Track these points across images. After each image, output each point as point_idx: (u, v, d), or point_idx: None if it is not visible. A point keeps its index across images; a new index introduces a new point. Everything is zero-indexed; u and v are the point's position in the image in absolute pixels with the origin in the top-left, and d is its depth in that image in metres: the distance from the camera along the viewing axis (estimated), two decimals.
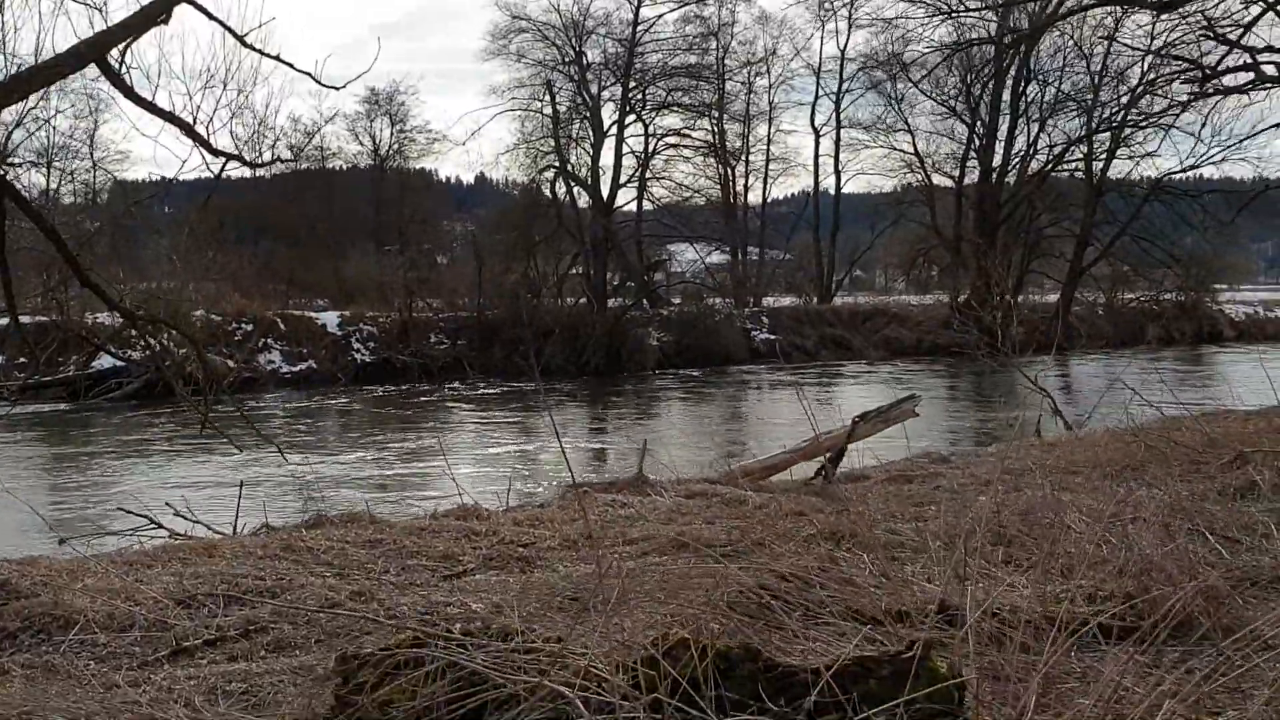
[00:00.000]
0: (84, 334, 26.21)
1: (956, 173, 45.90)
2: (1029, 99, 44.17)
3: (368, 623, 5.26)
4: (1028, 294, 45.83)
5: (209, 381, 10.45)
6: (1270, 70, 16.15)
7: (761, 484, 9.66)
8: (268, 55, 9.34)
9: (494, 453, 17.43)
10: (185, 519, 9.91)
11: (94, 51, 7.76)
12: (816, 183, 49.70)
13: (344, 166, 47.16)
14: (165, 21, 8.61)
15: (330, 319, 32.85)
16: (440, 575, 6.42)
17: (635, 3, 39.08)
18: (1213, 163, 39.05)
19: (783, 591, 5.21)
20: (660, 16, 40.18)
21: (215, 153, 9.45)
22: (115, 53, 8.38)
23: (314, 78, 9.58)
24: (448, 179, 66.75)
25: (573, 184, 39.23)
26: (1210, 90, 17.93)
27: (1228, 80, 17.08)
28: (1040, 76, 44.07)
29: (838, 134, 48.00)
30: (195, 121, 9.17)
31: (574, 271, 39.84)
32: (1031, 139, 44.26)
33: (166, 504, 10.18)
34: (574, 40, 39.49)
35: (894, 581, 5.71)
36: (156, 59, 9.15)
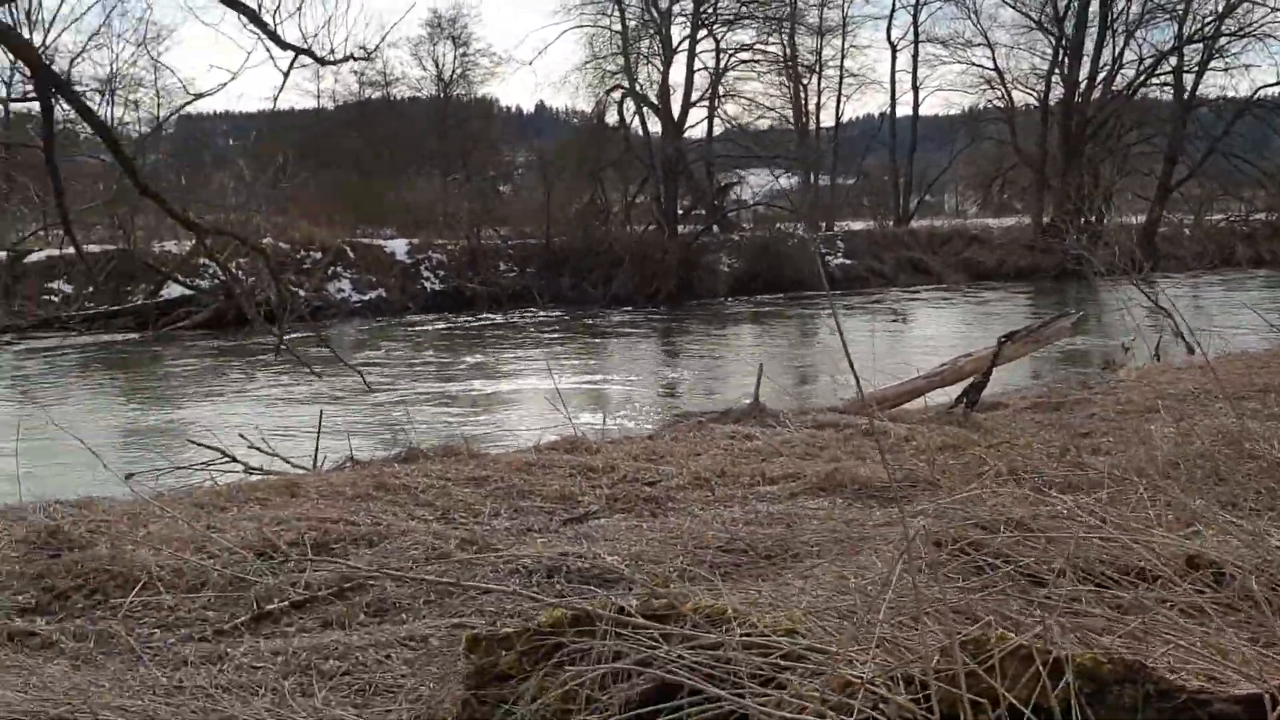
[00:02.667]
0: (151, 262, 25.72)
1: (1040, 88, 43.66)
2: (1117, 9, 41.67)
3: (486, 580, 4.32)
4: (1115, 214, 43.81)
5: (283, 304, 9.59)
6: None
7: (894, 414, 8.60)
8: None
9: (578, 382, 16.50)
10: (261, 452, 9.09)
11: None
12: (894, 100, 47.72)
13: (407, 95, 46.02)
14: None
15: (399, 247, 32.12)
16: (559, 519, 5.48)
17: None
18: None
19: (1000, 546, 4.18)
20: None
21: (284, 45, 8.49)
22: None
23: None
24: (508, 108, 65.43)
25: (641, 105, 37.82)
26: None
27: None
28: None
29: (915, 49, 45.91)
30: (260, 8, 8.19)
31: (641, 198, 38.70)
32: (1117, 52, 41.90)
33: (240, 435, 9.35)
34: None
35: (1120, 528, 4.64)
36: None
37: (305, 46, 8.83)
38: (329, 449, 9.49)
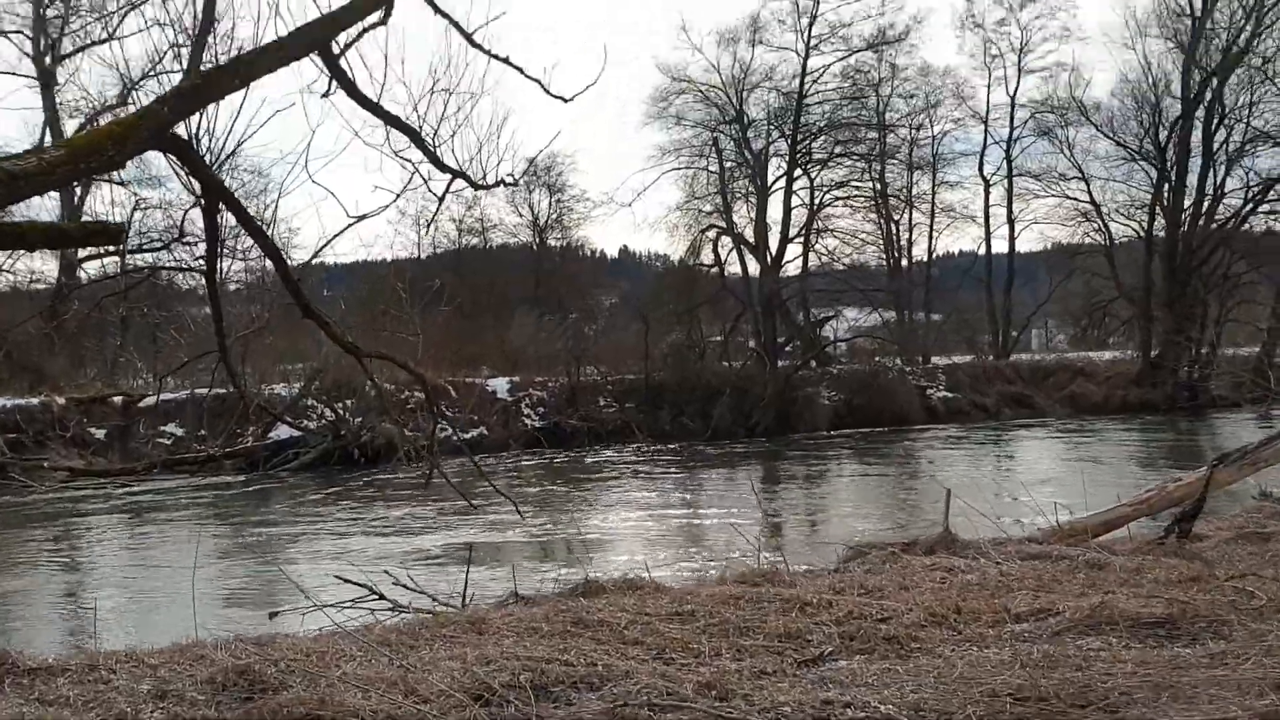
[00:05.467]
0: (263, 405, 25.92)
1: (1140, 219, 42.99)
2: (1219, 138, 41.09)
3: None
4: (1225, 346, 42.48)
5: (432, 439, 9.26)
6: None
7: (1100, 544, 7.83)
8: (496, 57, 8.16)
9: (717, 514, 15.81)
10: (406, 589, 8.60)
11: (319, 34, 6.61)
12: (988, 234, 47.27)
13: (505, 241, 47.08)
14: (386, 18, 7.52)
15: (500, 385, 32.15)
16: (790, 659, 4.84)
17: (803, 54, 37.92)
18: None
19: None
20: (827, 67, 38.90)
21: (443, 168, 8.30)
22: (336, 46, 7.29)
23: (543, 86, 8.36)
24: (593, 252, 66.57)
25: (738, 243, 38.10)
26: None
27: None
28: (1233, 113, 40.99)
29: (1009, 182, 45.67)
30: (421, 129, 8.04)
31: (736, 335, 38.65)
32: (1220, 180, 41.15)
33: (385, 573, 8.89)
34: (735, 98, 38.54)
35: None
36: (378, 59, 8.05)
37: (462, 170, 8.65)
38: (473, 585, 8.98)
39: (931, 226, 47.29)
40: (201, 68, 6.53)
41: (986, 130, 45.69)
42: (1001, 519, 9.05)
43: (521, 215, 46.48)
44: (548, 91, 8.26)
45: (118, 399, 26.67)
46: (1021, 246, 52.42)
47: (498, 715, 4.19)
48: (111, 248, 28.95)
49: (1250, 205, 40.62)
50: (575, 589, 6.81)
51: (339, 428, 26.30)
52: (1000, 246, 47.92)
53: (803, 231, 39.08)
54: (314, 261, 24.76)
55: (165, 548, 15.27)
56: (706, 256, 39.82)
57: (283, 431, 26.08)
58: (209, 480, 23.64)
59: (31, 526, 17.58)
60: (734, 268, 39.35)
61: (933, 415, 37.00)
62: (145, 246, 34.38)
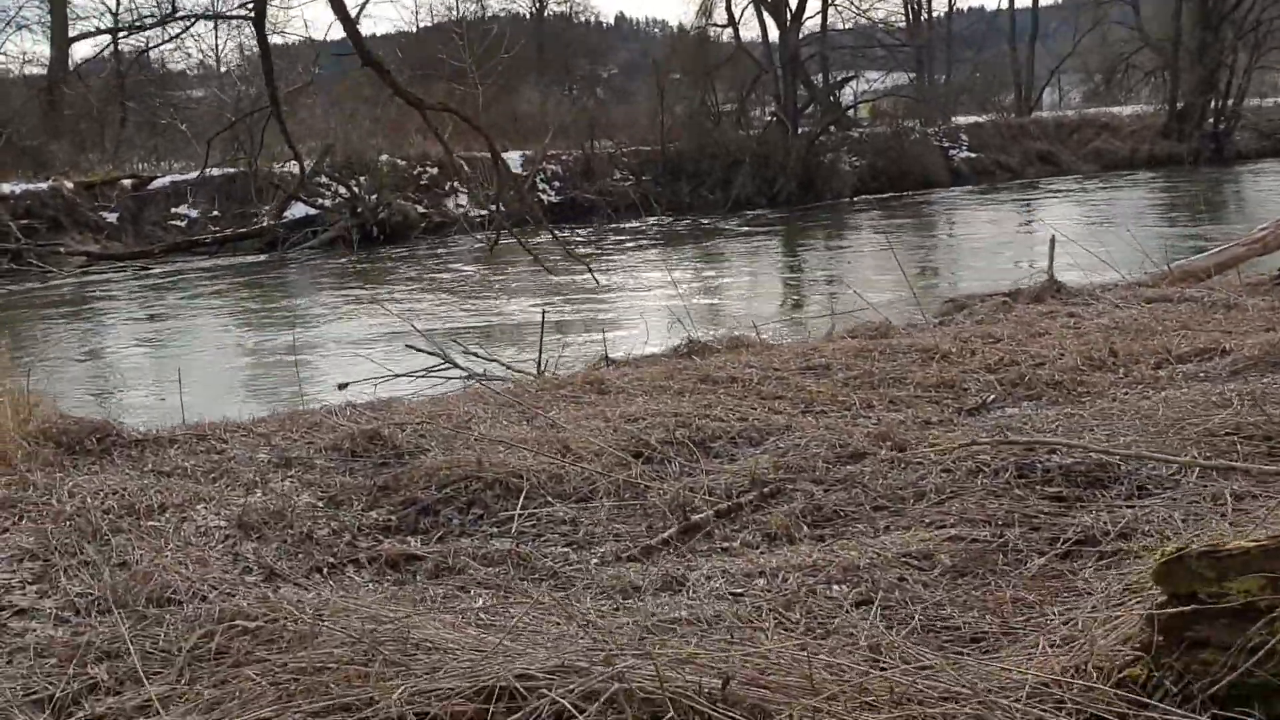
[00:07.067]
0: (276, 183, 25.21)
1: None
2: None
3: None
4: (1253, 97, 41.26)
5: (499, 199, 8.71)
6: None
7: (1209, 286, 7.43)
8: None
9: (771, 279, 15.37)
10: (480, 358, 8.28)
11: None
12: None
13: (504, 10, 44.85)
14: None
15: (514, 159, 31.11)
16: (952, 409, 4.52)
17: None
18: None
19: None
20: None
21: None
22: None
23: None
24: (586, 21, 63.80)
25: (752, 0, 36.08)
26: None
27: None
28: None
29: None
30: None
31: (754, 99, 37.11)
32: None
33: (454, 341, 8.55)
34: None
35: None
36: None
37: None
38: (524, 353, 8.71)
39: None
40: None
41: None
42: (1090, 267, 8.57)
43: None
44: None
45: (127, 181, 25.85)
46: None
47: (662, 471, 3.87)
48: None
49: None
50: (679, 349, 6.45)
51: (355, 205, 25.63)
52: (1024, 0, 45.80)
53: None
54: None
55: (204, 327, 15.00)
56: (719, 16, 37.81)
57: (298, 210, 25.41)
58: (229, 261, 23.18)
59: (61, 309, 17.27)
60: (747, 31, 37.48)
61: (957, 176, 36.29)
62: (136, 24, 32.81)
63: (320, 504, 3.68)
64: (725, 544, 3.29)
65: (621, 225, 28.57)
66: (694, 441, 4.10)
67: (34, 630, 2.82)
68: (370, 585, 3.09)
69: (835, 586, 2.83)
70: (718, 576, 2.95)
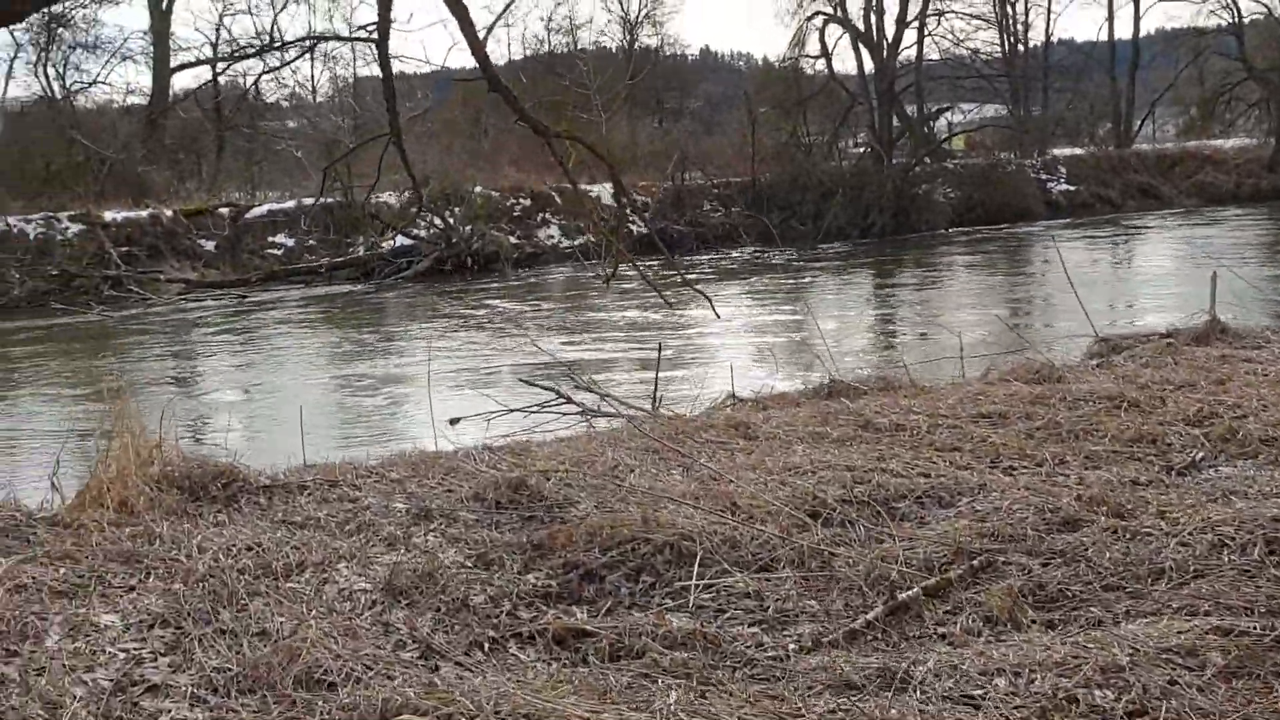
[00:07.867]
0: (372, 213, 25.34)
1: None
2: None
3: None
4: None
5: (618, 231, 8.39)
6: None
7: None
8: None
9: (888, 315, 14.83)
10: (593, 392, 7.93)
11: None
12: (1111, 15, 43.95)
13: (594, 43, 45.08)
14: None
15: (604, 191, 31.01)
16: (1159, 468, 4.01)
17: None
18: None
19: None
20: None
21: None
22: None
23: None
24: (671, 55, 63.99)
25: (849, 31, 35.63)
26: None
27: None
28: None
29: None
30: None
31: (846, 131, 36.59)
32: None
33: (565, 374, 8.22)
34: None
35: None
36: None
37: None
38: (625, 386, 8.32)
39: (1049, 8, 44.04)
40: None
41: None
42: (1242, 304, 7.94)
43: (611, 11, 44.34)
44: None
45: (225, 210, 26.23)
46: (1148, 26, 48.80)
47: (845, 536, 3.45)
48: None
49: None
50: (820, 390, 6.01)
51: (449, 235, 25.66)
52: (1123, 31, 44.73)
53: (919, 16, 36.41)
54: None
55: (302, 358, 14.93)
56: (812, 47, 37.45)
57: (396, 241, 25.52)
58: (324, 291, 23.29)
59: (164, 337, 17.39)
60: (840, 64, 37.08)
61: (1054, 209, 35.41)
62: (237, 54, 33.49)
63: (469, 564, 3.33)
64: (940, 628, 2.86)
65: (715, 256, 28.24)
66: (875, 501, 3.68)
67: (168, 712, 2.50)
68: (538, 665, 2.72)
69: (1097, 692, 2.38)
70: (946, 673, 2.52)
